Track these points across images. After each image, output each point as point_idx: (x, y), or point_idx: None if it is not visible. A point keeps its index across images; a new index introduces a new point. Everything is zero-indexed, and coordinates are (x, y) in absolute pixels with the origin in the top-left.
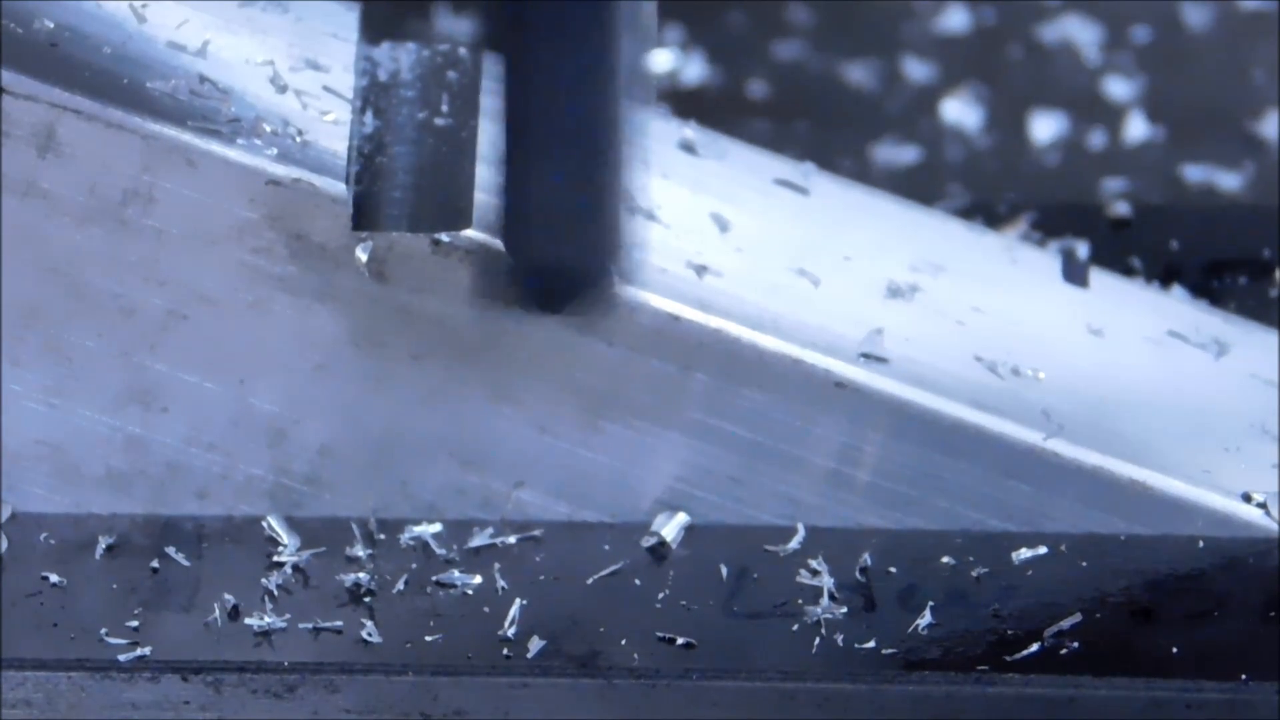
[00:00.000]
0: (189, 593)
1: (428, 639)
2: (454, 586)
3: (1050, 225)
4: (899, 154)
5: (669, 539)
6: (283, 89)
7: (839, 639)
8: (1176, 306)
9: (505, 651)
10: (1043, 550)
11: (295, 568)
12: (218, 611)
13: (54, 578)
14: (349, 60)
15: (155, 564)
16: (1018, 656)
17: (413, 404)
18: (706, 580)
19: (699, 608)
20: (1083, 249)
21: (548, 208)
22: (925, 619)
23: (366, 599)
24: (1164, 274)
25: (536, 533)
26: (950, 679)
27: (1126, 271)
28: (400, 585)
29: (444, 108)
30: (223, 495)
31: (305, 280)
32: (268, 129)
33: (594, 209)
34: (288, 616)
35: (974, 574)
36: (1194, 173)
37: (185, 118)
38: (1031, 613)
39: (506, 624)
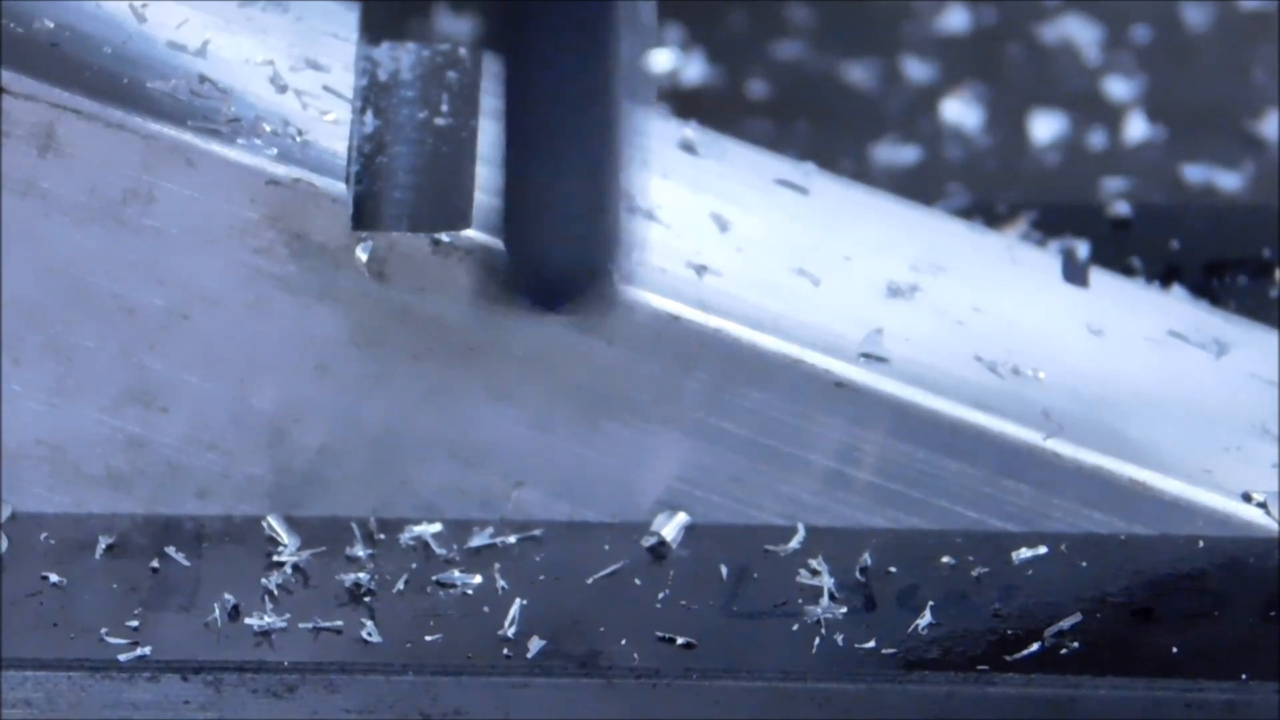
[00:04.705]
0: (189, 592)
1: (428, 639)
2: (454, 586)
3: (1050, 225)
4: (899, 154)
5: (669, 539)
6: (283, 89)
7: (839, 639)
8: (1177, 306)
9: (505, 651)
10: (1043, 550)
11: (295, 567)
12: (218, 611)
13: (54, 577)
14: (349, 60)
15: (155, 564)
16: (1018, 656)
17: (413, 404)
18: (706, 580)
19: (699, 607)
20: (1083, 249)
21: (548, 208)
22: (925, 619)
23: (366, 599)
24: (1164, 274)
25: (536, 532)
26: (950, 679)
27: (1127, 271)
28: (400, 585)
29: (444, 108)
30: (223, 495)
31: (305, 280)
32: (268, 129)
33: (594, 209)
34: (288, 616)
35: (974, 574)
36: (1194, 172)
37: (185, 117)
38: (1031, 612)
39: (506, 624)
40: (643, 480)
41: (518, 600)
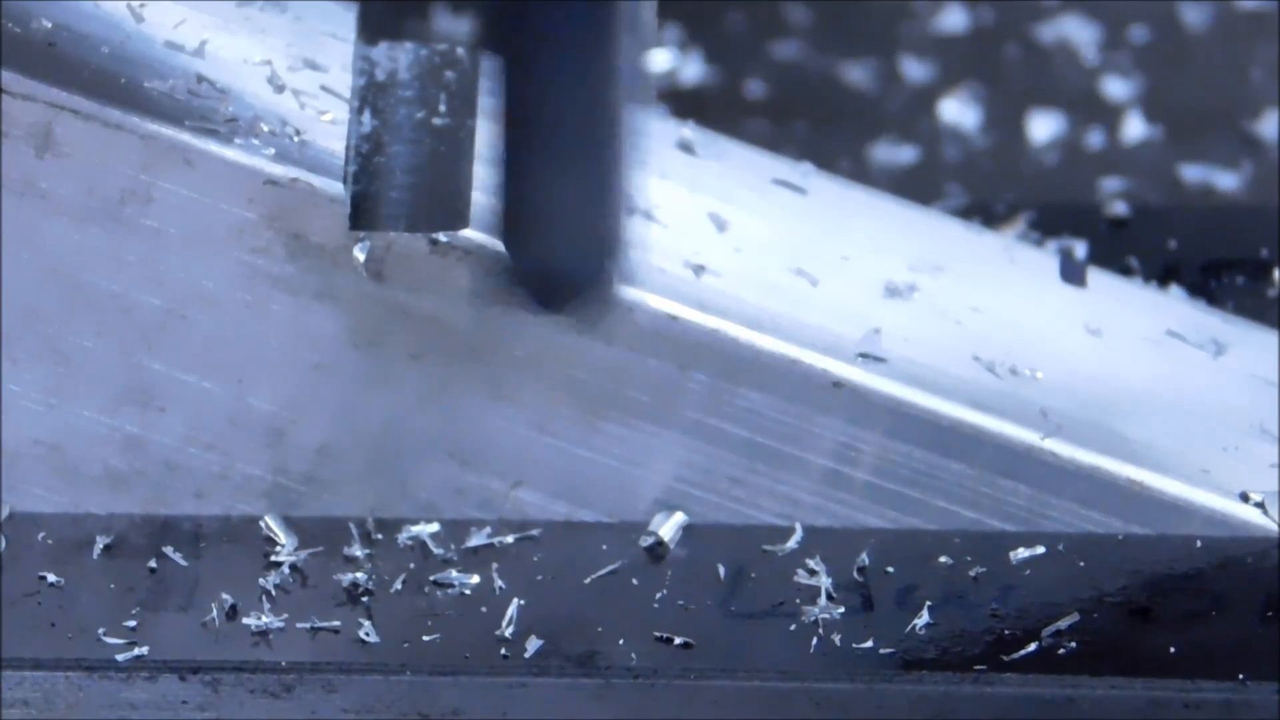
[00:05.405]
0: (187, 592)
1: (425, 639)
2: (452, 586)
3: (1048, 225)
4: (897, 154)
5: (667, 539)
6: (280, 89)
7: (836, 639)
8: (1175, 306)
9: (503, 651)
10: (1041, 550)
11: (293, 567)
12: (215, 611)
13: (52, 577)
14: (347, 60)
15: (153, 564)
16: (1015, 656)
17: (411, 403)
18: (704, 580)
19: (697, 607)
20: (1081, 249)
21: (547, 208)
22: (923, 619)
23: (364, 599)
24: (1162, 274)
25: (534, 532)
26: (948, 679)
27: (1125, 271)
28: (398, 585)
29: (442, 108)
30: (221, 495)
31: (303, 280)
32: (265, 129)
33: (593, 209)
34: (285, 616)
35: (972, 574)
36: (1192, 172)
37: (183, 117)
38: (1029, 612)
39: (504, 624)
40: (641, 480)
41: (515, 600)
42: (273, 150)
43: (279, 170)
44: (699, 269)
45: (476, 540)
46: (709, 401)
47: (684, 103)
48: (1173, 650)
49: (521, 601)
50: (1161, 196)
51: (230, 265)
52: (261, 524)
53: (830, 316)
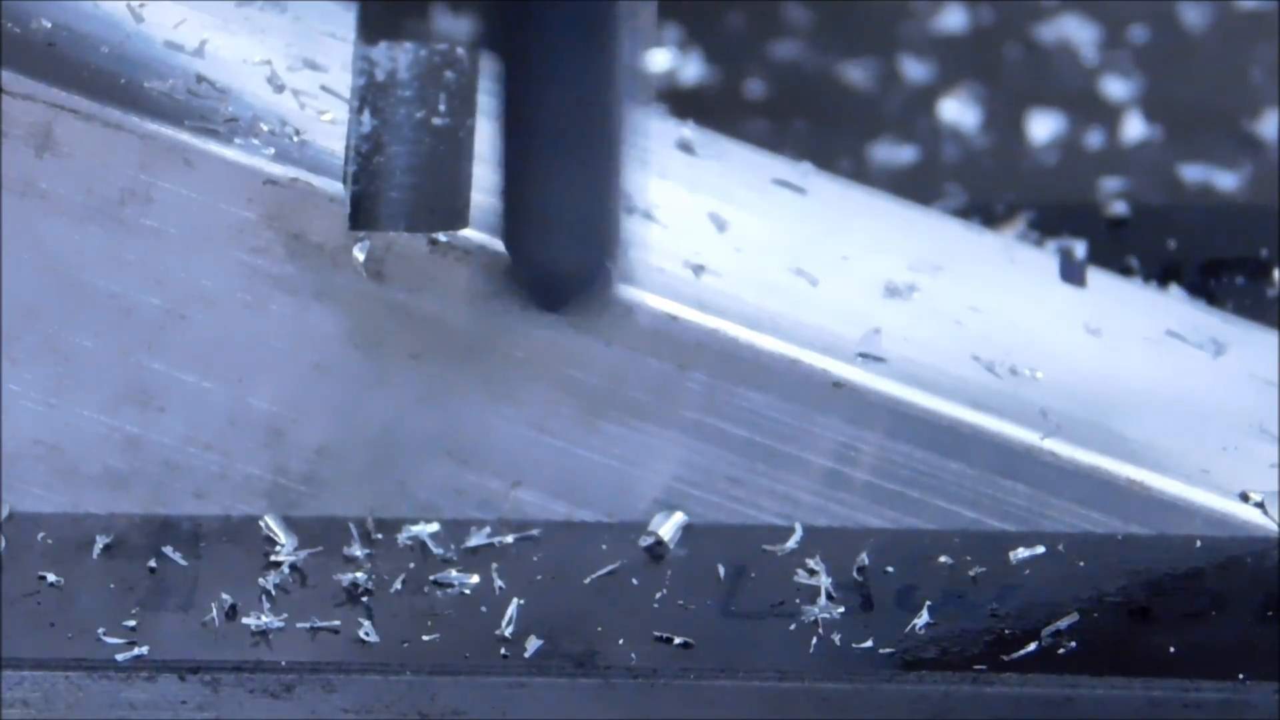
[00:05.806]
0: (186, 592)
1: (425, 638)
2: (451, 586)
3: (1048, 225)
4: (897, 153)
5: (666, 538)
6: (280, 88)
7: (836, 638)
8: (1174, 306)
9: (503, 651)
10: (1040, 550)
11: (293, 567)
12: (215, 611)
13: (51, 577)
14: (347, 60)
15: (153, 563)
16: (1015, 656)
17: (411, 403)
18: (704, 580)
19: (696, 607)
20: (1080, 248)
21: (547, 208)
22: (923, 618)
23: (364, 598)
24: (1162, 273)
25: (534, 532)
26: (948, 679)
27: (1124, 271)
28: (398, 585)
29: (441, 107)
30: (220, 495)
31: (303, 280)
32: (265, 128)
33: (593, 209)
34: (285, 616)
35: (971, 573)
36: (1192, 172)
37: (183, 117)
38: (1029, 612)
39: (504, 623)
40: (640, 480)
41: (515, 600)
42: (272, 150)
43: (279, 170)
44: (699, 269)
45: (476, 540)
46: (709, 401)
47: (683, 102)
48: (1172, 650)
49: (521, 601)
50: (1161, 196)
51: (230, 265)
52: (261, 524)
53: (830, 316)
